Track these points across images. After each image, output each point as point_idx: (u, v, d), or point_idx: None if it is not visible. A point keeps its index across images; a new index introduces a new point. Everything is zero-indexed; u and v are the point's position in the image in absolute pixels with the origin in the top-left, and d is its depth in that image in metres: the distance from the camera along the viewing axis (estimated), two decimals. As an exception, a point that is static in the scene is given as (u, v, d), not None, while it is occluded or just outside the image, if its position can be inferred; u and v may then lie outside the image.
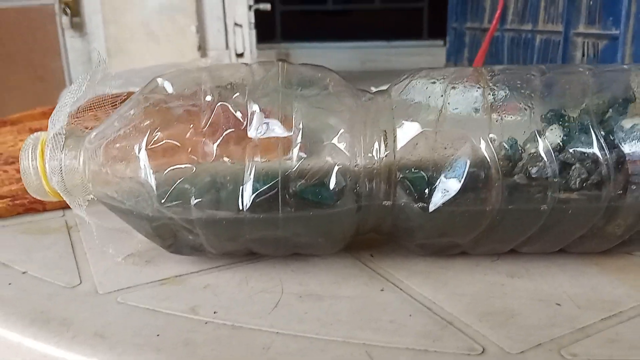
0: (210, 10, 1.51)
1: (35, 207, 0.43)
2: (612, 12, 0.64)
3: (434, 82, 0.29)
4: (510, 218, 0.28)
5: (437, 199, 0.28)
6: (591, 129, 0.29)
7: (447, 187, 0.28)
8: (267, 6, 1.25)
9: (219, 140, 0.28)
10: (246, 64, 0.31)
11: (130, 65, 1.58)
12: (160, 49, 1.67)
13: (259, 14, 1.38)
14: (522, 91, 0.29)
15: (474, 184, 0.28)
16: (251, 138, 0.28)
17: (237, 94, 0.29)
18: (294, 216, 0.28)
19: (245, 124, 0.28)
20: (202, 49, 1.56)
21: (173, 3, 1.60)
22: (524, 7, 0.86)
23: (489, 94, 0.29)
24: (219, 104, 0.28)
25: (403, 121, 0.29)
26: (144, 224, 0.29)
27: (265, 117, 0.28)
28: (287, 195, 0.28)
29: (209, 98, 0.29)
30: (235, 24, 1.30)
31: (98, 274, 0.32)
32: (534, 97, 0.29)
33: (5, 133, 0.70)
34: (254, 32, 1.26)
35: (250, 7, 1.23)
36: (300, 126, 0.28)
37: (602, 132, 0.29)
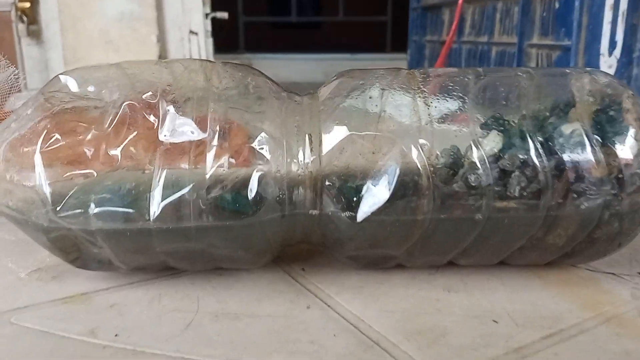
0: (171, 19, 1.48)
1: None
2: (564, 23, 0.64)
3: (363, 84, 0.27)
4: (444, 228, 0.26)
5: (366, 208, 0.26)
6: (528, 136, 0.27)
7: (376, 195, 0.26)
8: (224, 15, 1.23)
9: (124, 144, 0.25)
10: (164, 61, 0.29)
11: (88, 74, 1.54)
12: (119, 58, 1.62)
13: (221, 23, 1.36)
14: (455, 94, 0.27)
15: (403, 192, 0.25)
16: (162, 141, 0.25)
17: (149, 92, 0.26)
18: (209, 227, 0.25)
19: (156, 126, 0.26)
20: (163, 57, 1.53)
21: (133, 11, 1.56)
22: (480, 19, 0.86)
23: (420, 98, 0.27)
24: (125, 103, 0.26)
25: (329, 125, 0.26)
26: (41, 235, 0.26)
27: (179, 118, 0.26)
28: (200, 204, 0.25)
29: (115, 97, 0.26)
30: (191, 32, 1.27)
31: (-6, 292, 0.28)
32: (467, 101, 0.27)
33: None
34: (210, 40, 1.23)
35: (206, 15, 1.20)
36: (217, 128, 0.26)
37: (541, 139, 0.27)
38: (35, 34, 1.75)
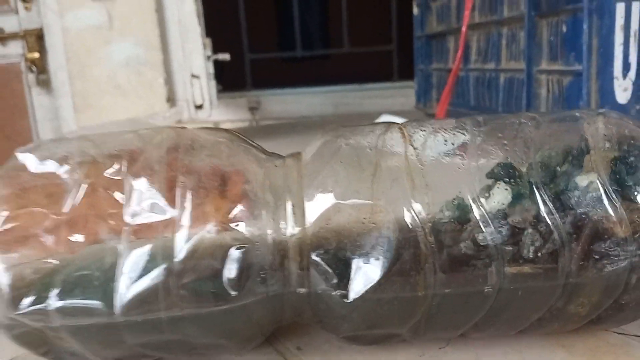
0: (178, 61, 1.49)
1: None
2: (574, 47, 0.61)
3: (351, 144, 0.25)
4: (450, 303, 0.23)
5: (358, 286, 0.23)
6: (540, 188, 0.24)
7: (369, 270, 0.23)
8: (225, 56, 1.23)
9: (87, 227, 0.23)
10: (133, 131, 0.26)
11: (98, 120, 1.54)
12: (128, 103, 1.64)
13: (226, 63, 1.36)
14: (449, 150, 0.24)
15: (400, 265, 0.22)
16: (127, 222, 0.23)
17: (116, 166, 0.24)
18: (183, 316, 0.23)
19: (122, 204, 0.23)
20: (171, 100, 1.53)
21: (139, 56, 1.58)
22: (486, 45, 0.83)
23: (412, 156, 0.24)
24: (87, 181, 0.23)
25: (313, 192, 0.24)
26: (4, 331, 0.24)
27: (146, 195, 0.23)
28: (172, 291, 0.22)
29: (77, 175, 0.24)
30: (193, 75, 1.27)
31: (-42, 393, 0.26)
32: (465, 157, 0.25)
33: None
34: (213, 82, 1.23)
35: (208, 57, 1.20)
36: (187, 204, 0.23)
37: (554, 192, 0.24)
38: (44, 83, 1.78)
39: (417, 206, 0.23)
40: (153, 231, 0.23)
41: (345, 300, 0.23)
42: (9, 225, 0.23)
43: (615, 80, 0.60)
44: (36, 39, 1.68)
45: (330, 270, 0.23)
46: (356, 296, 0.23)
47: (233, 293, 0.23)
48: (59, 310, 0.22)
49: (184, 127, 0.27)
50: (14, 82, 1.77)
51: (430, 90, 1.10)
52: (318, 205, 0.23)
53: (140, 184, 0.24)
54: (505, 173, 0.25)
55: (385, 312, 0.23)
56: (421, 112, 1.14)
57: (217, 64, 1.27)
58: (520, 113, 0.27)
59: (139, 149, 0.25)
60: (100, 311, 0.22)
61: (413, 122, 0.26)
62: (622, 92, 0.61)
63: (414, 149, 0.24)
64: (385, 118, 0.91)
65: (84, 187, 0.23)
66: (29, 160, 0.25)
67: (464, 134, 0.25)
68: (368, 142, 0.25)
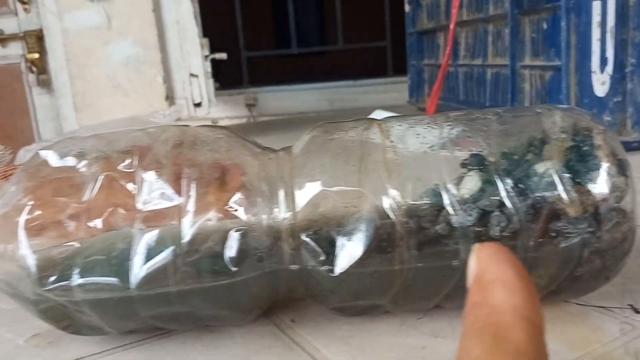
0: (176, 60, 1.51)
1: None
2: (553, 44, 0.64)
3: (336, 138, 0.28)
4: (423, 276, 0.26)
5: (343, 261, 0.26)
6: (505, 176, 0.27)
7: (352, 247, 0.26)
8: (222, 55, 1.26)
9: (104, 214, 0.26)
10: (140, 130, 0.30)
11: (99, 119, 1.57)
12: (128, 101, 1.66)
13: (223, 61, 1.39)
14: (421, 144, 0.27)
15: (378, 244, 0.26)
16: (139, 209, 0.26)
17: (128, 161, 0.27)
18: (190, 290, 0.26)
19: (134, 194, 0.26)
20: (170, 98, 1.56)
21: (138, 55, 1.61)
22: (473, 42, 0.86)
23: (389, 148, 0.27)
24: (103, 174, 0.27)
25: (302, 181, 0.27)
26: (31, 307, 0.27)
27: (155, 185, 0.27)
28: (179, 268, 0.26)
29: (94, 169, 0.27)
30: (191, 75, 1.30)
31: (-9, 364, 0.29)
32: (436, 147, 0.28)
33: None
34: (211, 81, 1.26)
35: (206, 57, 1.23)
36: (192, 192, 0.26)
37: (517, 179, 0.27)
38: (45, 83, 1.80)
39: (392, 192, 0.26)
40: (162, 217, 0.26)
41: (332, 275, 0.26)
42: (35, 214, 0.26)
43: (593, 75, 0.63)
44: (36, 39, 1.71)
45: (318, 248, 0.26)
46: (341, 270, 0.26)
47: (233, 269, 0.26)
48: (80, 286, 0.25)
49: (187, 126, 0.30)
50: (14, 82, 1.80)
51: (422, 85, 1.13)
52: (307, 193, 0.27)
53: (150, 176, 0.27)
54: (476, 163, 0.28)
55: (367, 285, 0.27)
56: (414, 106, 1.17)
57: (214, 63, 1.30)
58: (485, 110, 0.30)
59: (147, 145, 0.28)
60: (117, 286, 0.25)
61: (389, 119, 0.29)
62: (600, 86, 0.64)
63: (390, 142, 0.27)
64: (377, 113, 0.94)
65: (100, 179, 0.26)
66: (50, 156, 0.28)
67: (435, 128, 0.28)
68: (351, 136, 0.28)
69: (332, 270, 0.26)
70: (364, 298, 0.28)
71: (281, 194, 0.27)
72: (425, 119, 0.29)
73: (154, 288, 0.25)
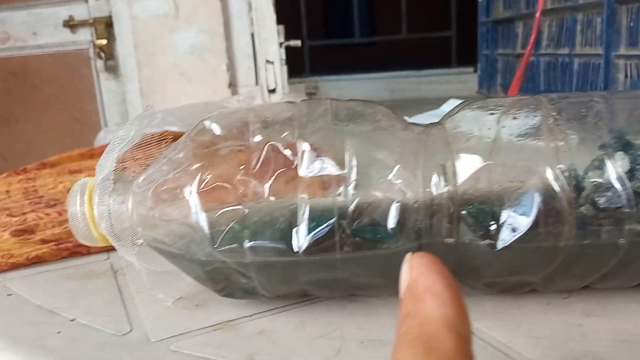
0: (240, 48, 1.54)
1: (80, 250, 0.43)
2: (657, 32, 0.62)
3: (492, 113, 0.28)
4: (586, 254, 0.26)
5: (506, 236, 0.26)
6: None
7: (516, 222, 0.26)
8: (297, 42, 1.27)
9: (270, 181, 0.27)
10: (292, 102, 0.30)
11: (164, 105, 1.61)
12: (192, 88, 1.70)
13: (289, 50, 1.40)
14: (588, 119, 0.27)
15: (545, 219, 0.26)
16: (302, 177, 0.27)
17: (287, 132, 0.28)
18: (352, 257, 0.27)
19: (296, 163, 0.27)
20: (233, 86, 1.59)
21: (203, 44, 1.64)
22: (559, 31, 0.84)
23: (551, 122, 0.27)
24: (268, 143, 0.27)
25: (463, 155, 0.27)
26: (196, 268, 0.28)
27: (316, 155, 0.27)
28: (344, 236, 0.26)
29: (257, 138, 0.28)
30: (267, 61, 1.31)
31: (149, 320, 0.31)
32: (600, 124, 0.28)
33: (45, 175, 0.71)
34: (285, 68, 1.27)
35: (281, 44, 1.24)
36: (354, 163, 0.27)
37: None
38: (112, 69, 1.86)
39: (561, 167, 0.26)
40: (325, 185, 0.27)
41: (493, 250, 0.26)
42: (206, 179, 0.27)
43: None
44: (105, 26, 1.76)
45: (479, 223, 0.26)
46: (504, 245, 0.26)
47: (392, 240, 0.27)
48: (251, 248, 0.26)
49: (335, 99, 0.31)
50: (83, 67, 1.86)
51: (495, 75, 1.11)
52: (468, 167, 0.27)
53: (310, 148, 0.28)
54: (620, 145, 0.28)
55: (527, 261, 0.27)
56: (484, 97, 1.15)
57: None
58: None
59: (305, 116, 0.29)
60: (285, 251, 0.26)
61: (545, 95, 0.29)
62: None
63: (553, 117, 0.27)
64: (452, 102, 0.93)
65: (265, 148, 0.27)
66: (215, 127, 0.29)
67: (596, 105, 0.28)
68: (508, 110, 0.28)
69: (493, 245, 0.26)
70: (520, 274, 0.28)
71: (440, 167, 0.27)
72: (584, 95, 0.28)
73: (319, 253, 0.26)
